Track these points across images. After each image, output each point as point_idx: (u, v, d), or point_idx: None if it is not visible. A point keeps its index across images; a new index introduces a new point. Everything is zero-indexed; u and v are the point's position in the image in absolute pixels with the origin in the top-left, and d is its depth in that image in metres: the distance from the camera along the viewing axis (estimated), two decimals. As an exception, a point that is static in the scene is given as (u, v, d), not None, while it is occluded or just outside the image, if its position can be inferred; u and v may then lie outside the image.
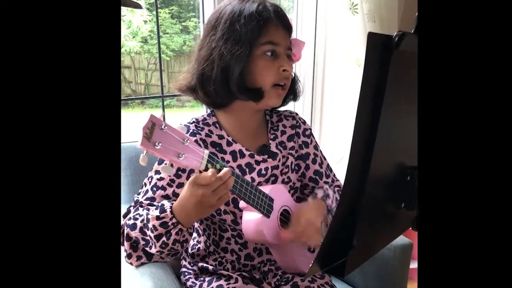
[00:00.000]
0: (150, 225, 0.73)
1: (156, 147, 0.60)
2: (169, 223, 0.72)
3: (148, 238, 0.76)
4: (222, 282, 0.84)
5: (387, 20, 1.35)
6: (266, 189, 0.81)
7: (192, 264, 0.92)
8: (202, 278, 0.88)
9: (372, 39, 0.40)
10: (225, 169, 0.68)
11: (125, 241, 0.79)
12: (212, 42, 0.81)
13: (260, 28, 0.79)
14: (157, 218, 0.72)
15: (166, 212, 0.72)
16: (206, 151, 0.68)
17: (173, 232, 0.72)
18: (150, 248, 0.77)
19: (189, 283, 0.89)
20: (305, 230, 0.78)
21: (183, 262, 0.95)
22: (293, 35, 0.87)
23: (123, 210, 0.84)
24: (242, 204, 0.80)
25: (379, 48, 0.41)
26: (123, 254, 0.82)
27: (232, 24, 0.79)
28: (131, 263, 0.82)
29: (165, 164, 0.65)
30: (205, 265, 0.89)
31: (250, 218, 0.79)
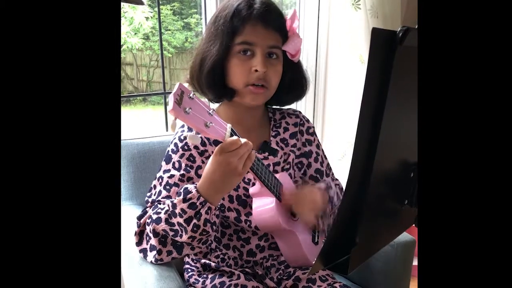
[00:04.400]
0: (177, 211, 0.72)
1: (186, 113, 0.60)
2: (197, 203, 0.71)
3: (176, 227, 0.75)
4: (224, 278, 0.84)
5: (390, 16, 1.34)
6: (275, 175, 0.83)
7: (195, 261, 0.92)
8: (205, 275, 0.88)
9: (376, 35, 0.40)
10: (244, 139, 0.69)
11: (153, 238, 0.78)
12: (200, 41, 0.86)
13: (234, 28, 0.79)
14: (184, 200, 0.72)
15: (192, 192, 0.72)
16: (229, 124, 0.69)
17: (203, 211, 0.72)
18: (180, 236, 0.75)
19: (192, 280, 0.89)
20: (304, 200, 0.82)
21: (186, 259, 0.95)
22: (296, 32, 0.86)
23: (124, 208, 0.84)
24: (254, 189, 0.82)
25: (383, 44, 0.41)
26: (146, 254, 0.81)
27: (213, 24, 0.81)
28: (161, 259, 0.80)
29: (192, 133, 0.64)
30: (207, 261, 0.89)
31: (263, 202, 0.80)
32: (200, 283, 0.87)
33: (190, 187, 0.73)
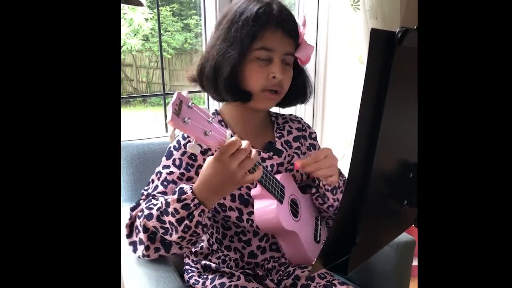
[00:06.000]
0: (170, 210, 0.72)
1: (185, 123, 0.60)
2: (191, 205, 0.71)
3: (167, 226, 0.74)
4: (224, 279, 0.84)
5: (389, 17, 1.34)
6: (277, 177, 0.83)
7: (195, 262, 0.92)
8: (205, 276, 0.88)
9: (375, 35, 0.40)
10: (246, 141, 0.68)
11: (142, 233, 0.78)
12: (212, 41, 0.84)
13: (255, 33, 0.78)
14: (178, 200, 0.71)
15: (187, 193, 0.71)
16: (229, 131, 0.68)
17: (196, 213, 0.71)
18: (170, 235, 0.75)
19: (192, 281, 0.89)
20: (321, 157, 0.83)
21: (186, 260, 0.95)
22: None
23: (124, 209, 0.84)
24: (255, 191, 0.82)
25: (382, 45, 0.41)
26: (136, 247, 0.81)
27: (230, 26, 0.80)
28: (148, 255, 0.80)
29: (192, 142, 0.65)
30: (208, 263, 0.89)
31: (264, 204, 0.80)
32: (200, 284, 0.87)
33: (186, 187, 0.72)
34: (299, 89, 0.91)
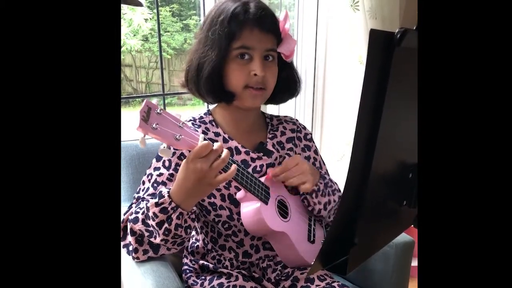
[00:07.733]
0: (150, 214, 0.74)
1: (153, 129, 0.62)
2: (169, 208, 0.72)
3: (151, 228, 0.76)
4: (223, 280, 0.84)
5: (389, 17, 1.35)
6: (261, 179, 0.84)
7: (193, 262, 0.92)
8: (203, 277, 0.88)
9: (374, 36, 0.40)
10: (218, 143, 0.70)
11: (130, 236, 0.79)
12: (195, 45, 0.85)
13: (232, 33, 0.79)
14: (156, 204, 0.73)
15: (164, 197, 0.73)
16: (202, 135, 0.69)
17: (174, 216, 0.73)
18: (155, 238, 0.77)
19: (190, 281, 0.89)
20: (291, 165, 0.83)
21: (185, 260, 0.95)
22: (294, 33, 0.86)
23: (124, 209, 0.84)
24: (239, 194, 0.82)
25: (381, 45, 0.41)
26: (128, 249, 0.82)
27: (209, 29, 0.81)
28: (137, 258, 0.81)
29: (163, 147, 0.65)
30: (205, 263, 0.89)
31: (249, 207, 0.81)
32: (198, 284, 0.87)
33: (164, 191, 0.74)
34: (286, 83, 0.90)
